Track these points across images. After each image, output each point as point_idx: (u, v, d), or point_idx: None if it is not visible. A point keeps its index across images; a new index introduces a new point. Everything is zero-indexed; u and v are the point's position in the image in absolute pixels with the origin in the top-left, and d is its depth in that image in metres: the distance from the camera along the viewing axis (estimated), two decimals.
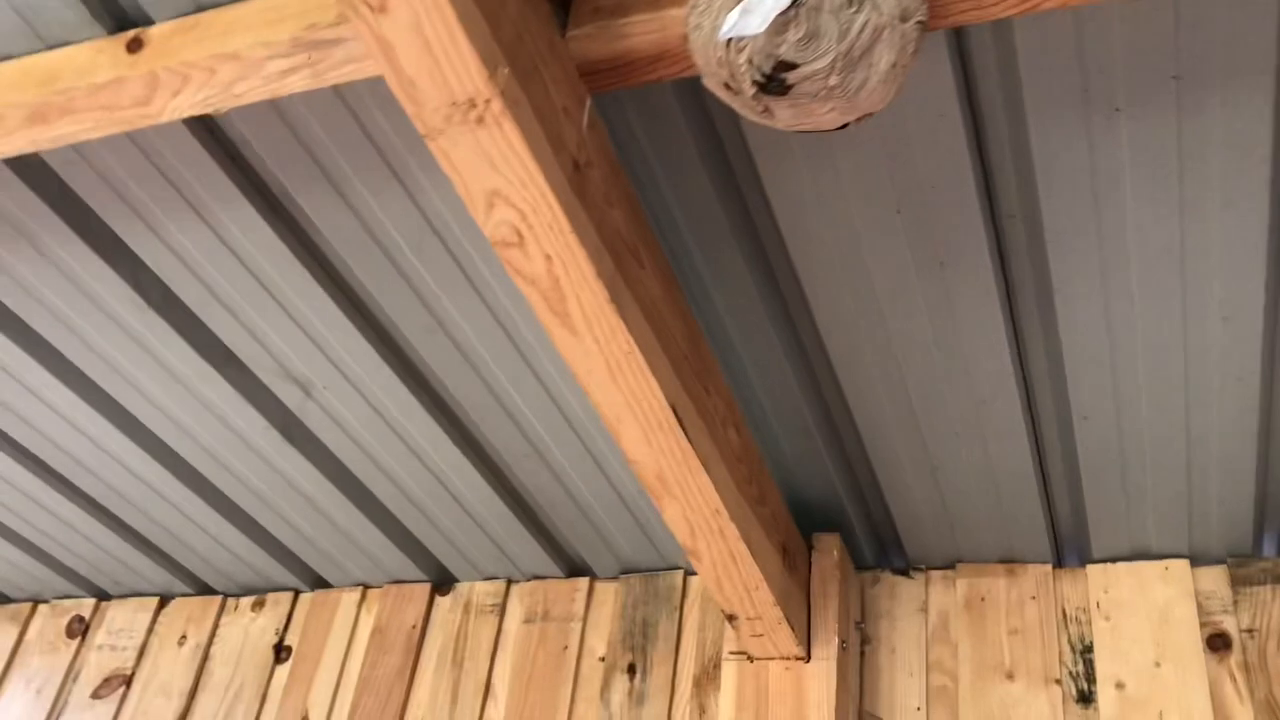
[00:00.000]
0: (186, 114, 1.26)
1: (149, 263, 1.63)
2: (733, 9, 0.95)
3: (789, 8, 0.93)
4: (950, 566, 2.06)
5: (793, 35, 0.96)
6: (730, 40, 0.97)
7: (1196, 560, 1.93)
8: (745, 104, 1.03)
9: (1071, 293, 1.47)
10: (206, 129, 1.42)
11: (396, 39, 0.97)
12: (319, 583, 2.40)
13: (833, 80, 0.98)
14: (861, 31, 0.97)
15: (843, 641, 1.88)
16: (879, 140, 1.31)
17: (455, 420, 1.88)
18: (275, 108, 1.37)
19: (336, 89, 1.34)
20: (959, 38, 1.21)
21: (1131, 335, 1.51)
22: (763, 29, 0.93)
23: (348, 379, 1.80)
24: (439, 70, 0.99)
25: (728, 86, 1.02)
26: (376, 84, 1.33)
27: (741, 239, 1.45)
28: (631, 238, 1.28)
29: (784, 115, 1.02)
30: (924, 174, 1.34)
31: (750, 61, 0.98)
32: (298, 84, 1.23)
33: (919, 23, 1.00)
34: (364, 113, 1.36)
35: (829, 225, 1.42)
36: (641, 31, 1.15)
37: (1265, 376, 1.56)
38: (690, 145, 1.34)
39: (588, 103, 1.22)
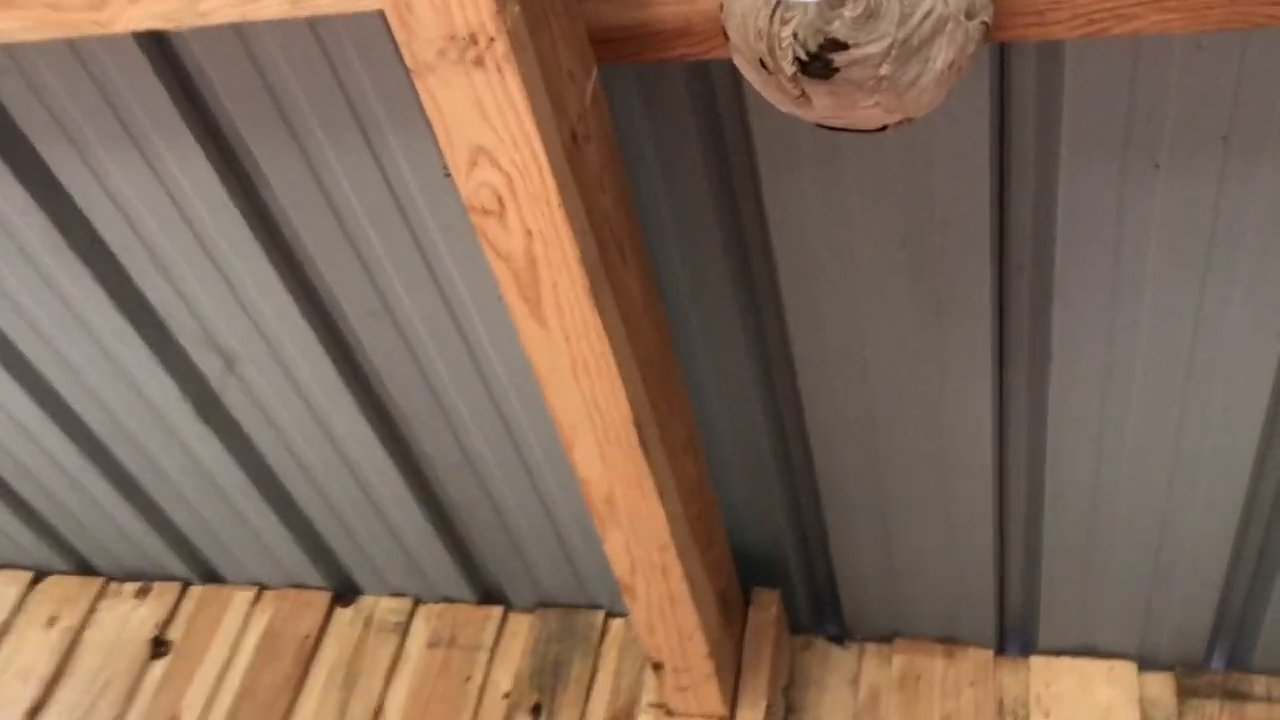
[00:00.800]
0: (143, 26, 1.12)
1: (76, 198, 1.47)
2: None
3: None
4: (887, 640, 1.95)
5: (849, 11, 0.85)
6: (777, 8, 0.86)
7: (1143, 664, 1.84)
8: (779, 87, 0.92)
9: (1069, 360, 1.37)
10: (160, 49, 1.28)
11: None
12: (211, 576, 2.22)
13: (884, 69, 0.87)
14: (925, 19, 0.86)
15: (770, 706, 1.75)
16: (897, 165, 1.21)
17: (387, 417, 1.74)
18: (240, 36, 1.23)
19: (313, 25, 1.21)
20: (1002, 62, 1.12)
21: (1124, 413, 1.42)
22: None
23: (276, 356, 1.64)
24: None
25: (763, 64, 0.91)
26: (358, 25, 1.20)
27: (729, 250, 1.34)
28: (620, 229, 1.16)
29: (822, 104, 0.91)
30: (938, 209, 1.24)
31: (796, 36, 0.87)
32: (274, 9, 1.10)
33: (983, 23, 0.90)
34: (340, 57, 1.23)
35: (825, 251, 1.31)
36: (668, 0, 1.04)
37: (1252, 481, 1.48)
38: (693, 140, 1.23)
39: (594, 72, 1.10)
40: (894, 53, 0.86)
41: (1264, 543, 1.58)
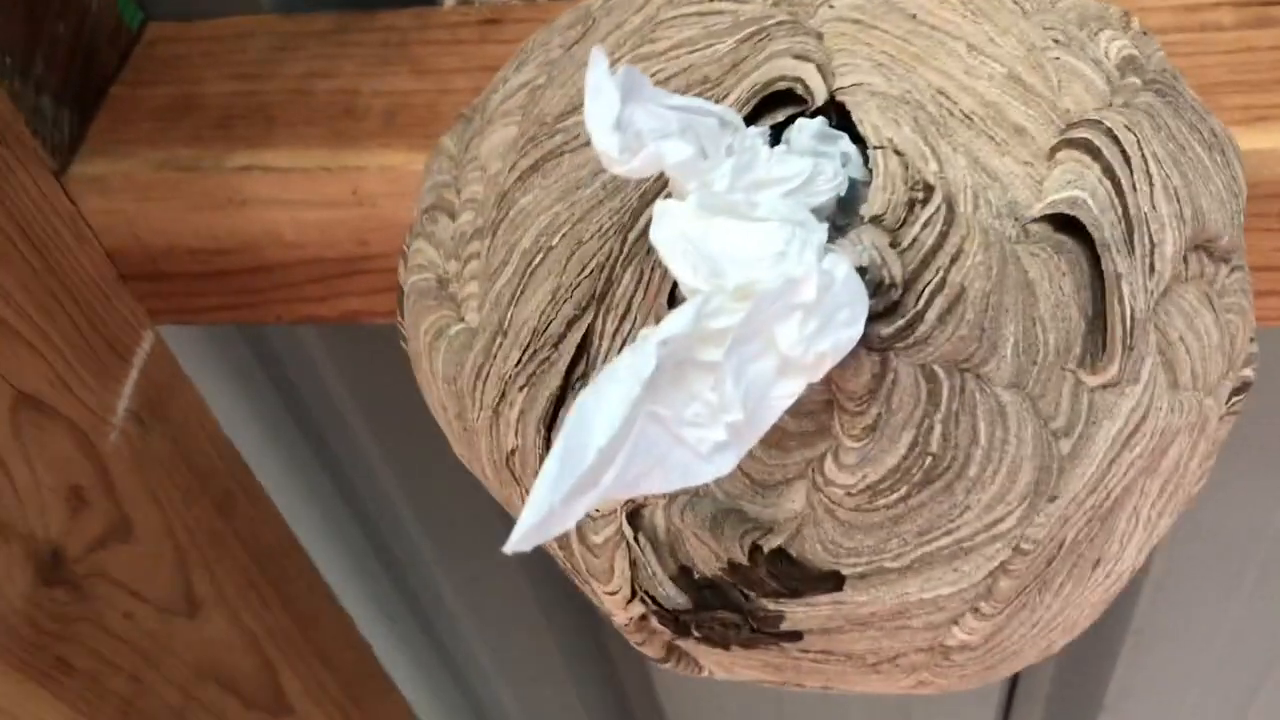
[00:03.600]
0: None
1: None
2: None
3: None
4: None
5: (854, 456, 0.21)
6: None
7: None
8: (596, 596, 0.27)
9: None
10: None
11: None
12: None
13: (990, 614, 0.24)
14: (1121, 456, 0.23)
15: None
16: None
17: None
18: None
19: None
20: None
21: None
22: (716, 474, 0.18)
23: None
24: None
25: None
26: None
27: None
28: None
29: (732, 670, 0.27)
30: None
31: (643, 526, 0.23)
32: None
33: (1242, 385, 0.27)
34: None
35: None
36: (307, 197, 0.39)
37: None
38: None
39: (146, 342, 0.44)
40: (1016, 580, 0.23)
41: None
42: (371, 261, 0.41)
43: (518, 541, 0.17)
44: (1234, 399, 0.28)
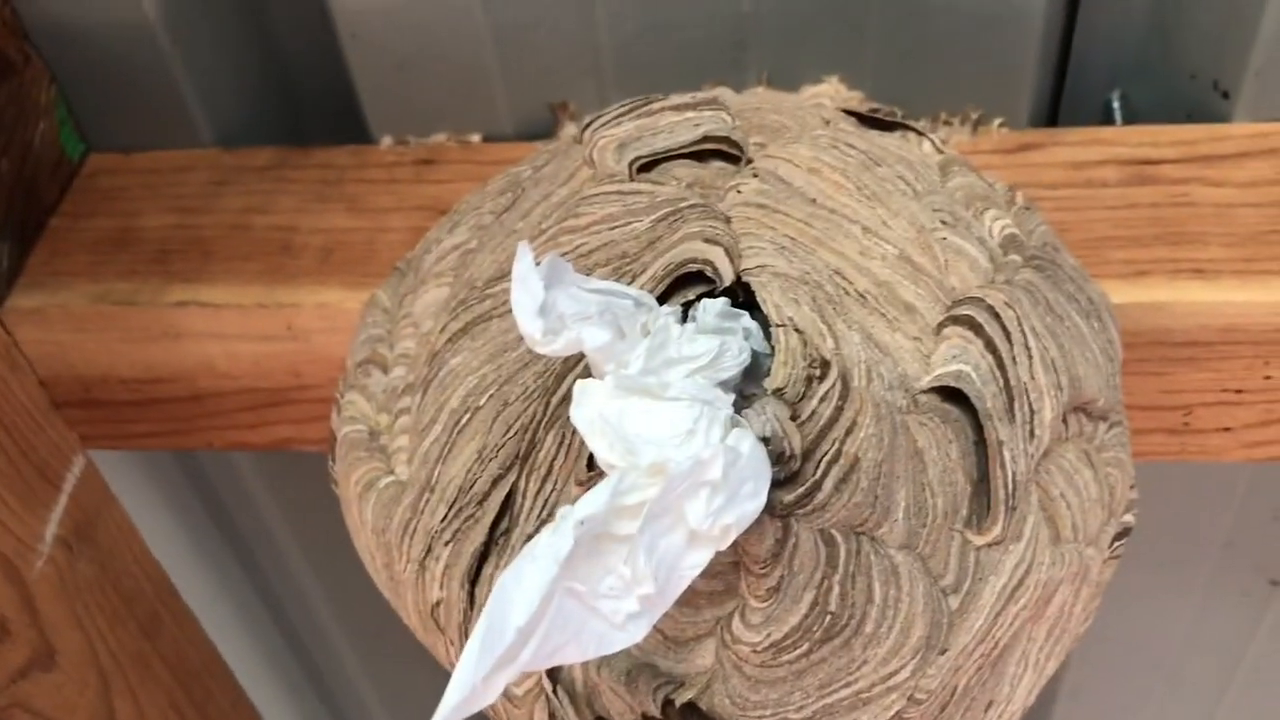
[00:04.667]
0: None
1: None
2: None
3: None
4: None
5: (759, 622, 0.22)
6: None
7: None
8: None
9: None
10: None
11: None
12: None
13: None
14: (1006, 608, 0.25)
15: None
16: None
17: None
18: None
19: None
20: None
21: None
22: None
23: None
24: None
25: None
26: None
27: None
28: None
29: None
30: None
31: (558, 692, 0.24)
32: None
33: (1124, 530, 0.30)
34: None
35: None
36: (245, 328, 0.40)
37: None
38: None
39: (76, 469, 0.44)
40: None
41: None
42: (304, 392, 0.43)
43: (442, 719, 0.18)
44: (1116, 544, 0.30)
